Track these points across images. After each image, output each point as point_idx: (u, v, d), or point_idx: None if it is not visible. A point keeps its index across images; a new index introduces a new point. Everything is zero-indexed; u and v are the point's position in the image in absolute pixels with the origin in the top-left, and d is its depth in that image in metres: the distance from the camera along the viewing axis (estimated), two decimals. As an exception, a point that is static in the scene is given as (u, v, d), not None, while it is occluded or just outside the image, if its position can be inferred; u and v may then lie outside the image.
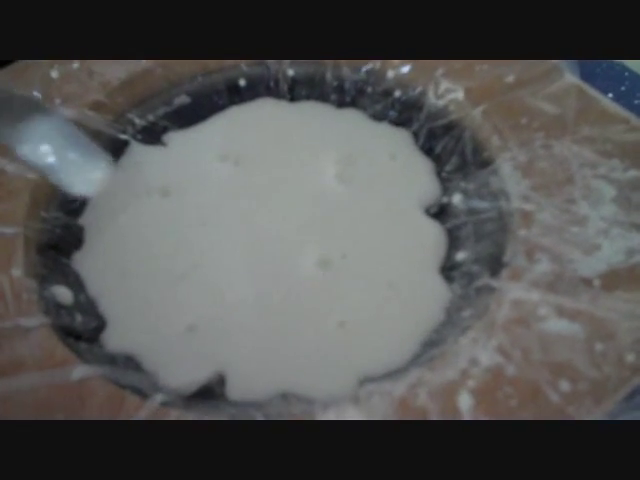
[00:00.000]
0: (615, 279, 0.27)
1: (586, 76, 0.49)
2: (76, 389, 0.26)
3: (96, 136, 0.35)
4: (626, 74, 0.51)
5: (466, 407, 0.24)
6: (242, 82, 0.40)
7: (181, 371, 0.29)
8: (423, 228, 0.33)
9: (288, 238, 0.33)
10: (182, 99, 0.39)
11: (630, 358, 0.25)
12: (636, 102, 0.49)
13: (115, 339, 0.30)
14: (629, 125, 0.32)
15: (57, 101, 0.36)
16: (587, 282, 0.27)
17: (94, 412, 0.25)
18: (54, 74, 0.37)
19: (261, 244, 0.33)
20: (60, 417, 0.25)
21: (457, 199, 0.34)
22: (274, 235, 0.33)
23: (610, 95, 0.48)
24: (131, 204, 0.35)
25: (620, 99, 0.48)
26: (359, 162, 0.36)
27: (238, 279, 0.32)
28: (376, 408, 0.25)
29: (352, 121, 0.38)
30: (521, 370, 0.25)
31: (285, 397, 0.28)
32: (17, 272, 0.30)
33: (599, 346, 0.25)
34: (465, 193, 0.34)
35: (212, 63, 0.39)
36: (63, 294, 0.31)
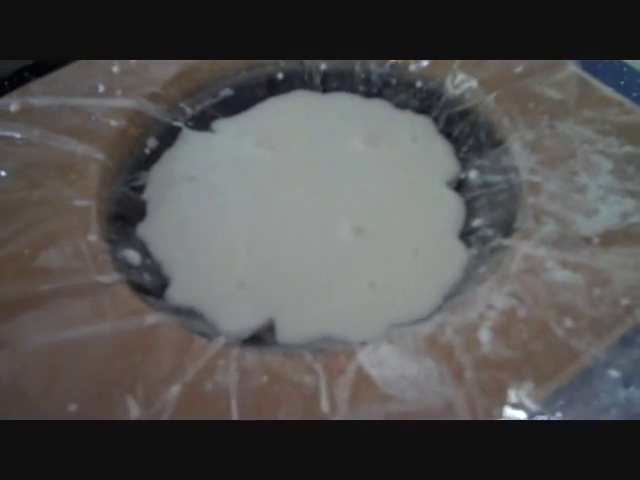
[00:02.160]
0: (611, 238, 0.31)
1: (587, 71, 0.52)
2: (150, 333, 0.30)
3: (153, 123, 0.40)
4: (625, 69, 0.53)
5: (486, 340, 0.28)
6: (280, 76, 0.44)
7: (237, 319, 0.33)
8: (444, 199, 0.38)
9: (324, 209, 0.37)
10: (226, 91, 0.44)
11: (624, 302, 0.29)
12: (634, 95, 0.51)
13: (178, 295, 0.35)
14: (624, 108, 0.36)
15: (118, 92, 0.41)
16: (587, 240, 0.31)
17: (166, 352, 0.29)
18: (115, 69, 0.42)
19: (301, 214, 0.37)
20: (137, 357, 0.29)
21: (473, 174, 0.38)
22: (312, 206, 0.38)
23: (610, 89, 0.52)
24: (183, 182, 0.39)
25: (619, 93, 0.52)
26: (385, 143, 0.41)
27: (283, 243, 0.36)
28: (407, 345, 0.29)
29: (378, 109, 0.43)
30: (531, 310, 0.29)
31: (327, 339, 0.32)
32: (93, 237, 0.34)
33: (597, 291, 0.29)
34: (480, 169, 0.38)
35: (250, 63, 0.44)
36: (132, 256, 0.35)
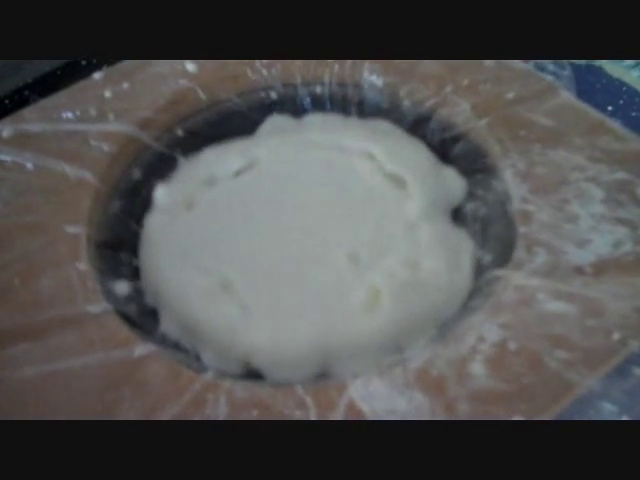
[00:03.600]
0: (604, 267, 0.31)
1: (586, 90, 0.52)
2: (138, 365, 0.30)
3: (145, 149, 0.40)
4: (624, 89, 0.54)
5: (478, 373, 0.28)
6: (273, 97, 0.44)
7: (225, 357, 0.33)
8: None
9: (318, 236, 0.37)
10: (218, 116, 0.44)
11: (618, 332, 0.29)
12: (633, 114, 0.52)
13: (168, 326, 0.35)
14: (615, 135, 0.36)
15: (110, 117, 0.41)
16: (579, 270, 0.31)
17: (154, 385, 0.29)
18: (107, 94, 0.42)
19: (295, 243, 0.37)
20: (125, 390, 0.29)
21: (466, 203, 0.38)
22: (305, 234, 0.37)
23: (610, 108, 0.51)
24: (179, 210, 0.39)
25: (618, 112, 0.51)
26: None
27: (277, 271, 0.36)
28: (397, 378, 0.28)
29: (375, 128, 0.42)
30: (523, 342, 0.29)
31: (320, 377, 0.32)
32: (82, 266, 0.34)
33: (590, 321, 0.29)
34: (473, 197, 0.38)
35: (244, 86, 0.44)
36: (122, 285, 0.35)
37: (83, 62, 0.54)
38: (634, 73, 0.55)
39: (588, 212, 0.33)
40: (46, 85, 0.51)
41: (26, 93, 0.53)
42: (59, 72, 0.55)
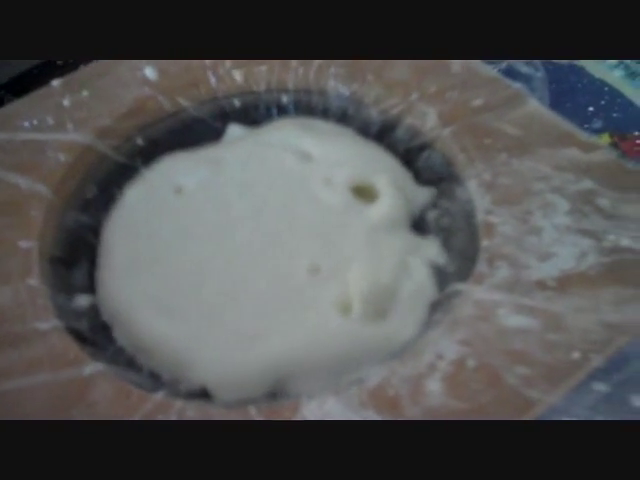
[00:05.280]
0: (567, 281, 0.30)
1: (568, 91, 0.52)
2: (87, 385, 0.29)
3: (103, 159, 0.39)
4: (606, 89, 0.54)
5: (435, 391, 0.27)
6: (236, 105, 0.43)
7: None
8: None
9: (277, 248, 0.36)
10: (179, 125, 0.43)
11: (580, 347, 0.28)
12: (615, 115, 0.52)
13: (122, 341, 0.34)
14: (582, 146, 0.36)
15: (69, 126, 0.40)
16: (542, 285, 0.30)
17: (103, 405, 0.28)
18: (66, 102, 0.41)
19: (253, 256, 0.36)
20: (73, 410, 0.28)
21: (429, 213, 0.37)
22: (264, 246, 0.36)
23: (591, 109, 0.52)
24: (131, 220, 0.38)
25: (599, 112, 0.52)
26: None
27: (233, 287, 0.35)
28: (352, 397, 0.27)
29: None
30: (482, 359, 0.28)
31: (273, 395, 0.31)
32: (33, 281, 0.33)
33: (552, 336, 0.28)
34: (437, 207, 0.37)
35: (207, 93, 0.43)
36: (74, 301, 0.34)
37: (59, 62, 0.53)
38: (616, 73, 0.55)
39: (552, 224, 0.32)
40: (22, 85, 0.50)
41: (1, 93, 0.52)
42: (35, 71, 0.55)
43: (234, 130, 0.42)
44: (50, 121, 0.40)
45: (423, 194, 0.38)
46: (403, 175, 0.39)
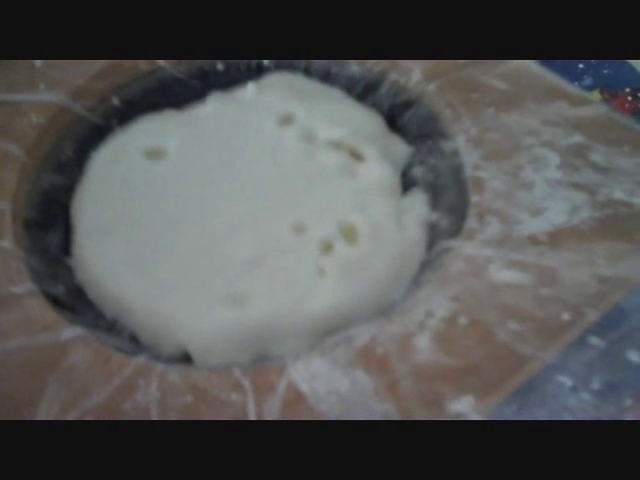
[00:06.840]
0: (559, 236, 0.30)
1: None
2: (65, 349, 0.28)
3: (78, 120, 0.38)
4: None
5: (424, 348, 0.26)
6: (216, 67, 0.42)
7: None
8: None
9: (262, 208, 0.35)
10: (158, 84, 0.41)
11: (574, 301, 0.27)
12: (605, 71, 0.51)
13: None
14: (571, 99, 0.35)
15: (41, 86, 0.38)
16: (534, 240, 0.30)
17: (81, 370, 0.27)
18: (38, 63, 0.39)
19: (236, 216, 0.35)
20: (50, 376, 0.27)
21: (417, 171, 0.36)
22: (248, 206, 0.35)
23: (581, 65, 0.51)
24: (110, 187, 0.37)
25: (589, 69, 0.51)
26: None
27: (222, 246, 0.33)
28: (340, 357, 0.27)
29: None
30: (473, 314, 0.27)
31: (259, 358, 0.30)
32: (6, 244, 0.31)
33: (544, 291, 0.28)
34: (423, 164, 0.36)
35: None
36: (48, 264, 0.33)
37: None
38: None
39: (543, 178, 0.32)
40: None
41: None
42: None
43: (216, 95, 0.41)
44: (22, 82, 0.39)
45: (408, 151, 0.37)
46: (388, 136, 0.38)
